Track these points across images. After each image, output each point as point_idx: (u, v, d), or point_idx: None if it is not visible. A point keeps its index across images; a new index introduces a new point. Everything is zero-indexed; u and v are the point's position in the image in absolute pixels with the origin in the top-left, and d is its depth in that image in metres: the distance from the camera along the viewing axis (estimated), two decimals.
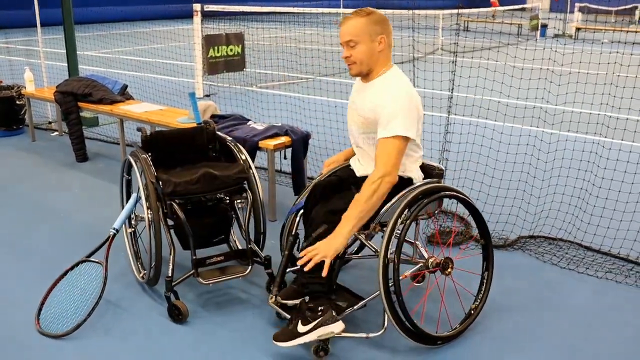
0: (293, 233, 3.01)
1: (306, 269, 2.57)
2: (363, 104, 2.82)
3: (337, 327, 2.64)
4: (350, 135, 3.01)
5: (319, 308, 2.64)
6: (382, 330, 2.70)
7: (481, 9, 17.70)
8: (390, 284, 2.61)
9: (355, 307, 2.79)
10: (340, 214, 2.65)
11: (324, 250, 2.56)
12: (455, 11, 15.33)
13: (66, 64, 7.02)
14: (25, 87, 6.31)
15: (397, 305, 2.63)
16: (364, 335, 2.76)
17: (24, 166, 5.47)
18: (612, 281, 3.41)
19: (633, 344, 2.85)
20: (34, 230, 4.06)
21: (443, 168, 3.05)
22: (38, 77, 6.60)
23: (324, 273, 2.55)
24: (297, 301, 2.78)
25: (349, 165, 3.08)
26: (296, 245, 3.01)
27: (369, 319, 2.97)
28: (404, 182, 2.81)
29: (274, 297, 2.82)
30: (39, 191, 4.80)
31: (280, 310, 2.82)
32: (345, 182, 2.97)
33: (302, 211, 3.04)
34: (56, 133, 6.57)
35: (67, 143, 5.99)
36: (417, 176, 2.89)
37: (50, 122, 6.97)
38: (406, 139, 2.67)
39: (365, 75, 2.83)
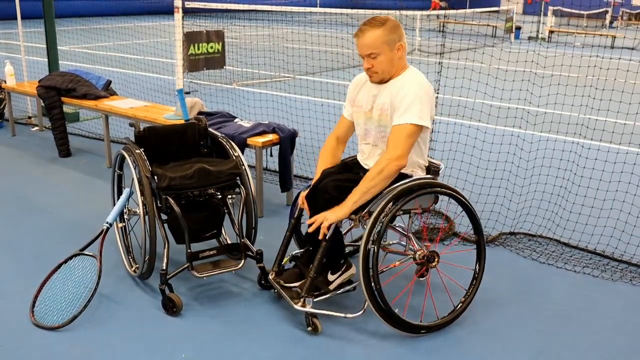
0: (295, 215, 3.16)
1: (310, 230, 2.83)
2: (382, 100, 2.89)
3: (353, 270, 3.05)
4: (362, 136, 3.08)
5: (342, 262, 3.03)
6: (361, 312, 2.89)
7: (459, 11, 17.96)
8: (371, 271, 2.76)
9: (346, 288, 3.03)
10: (348, 187, 2.82)
11: (329, 215, 2.78)
12: (434, 12, 15.52)
13: (46, 59, 6.96)
14: (5, 81, 6.24)
15: (374, 289, 2.76)
16: (342, 314, 2.93)
17: (6, 161, 5.42)
18: (589, 276, 3.55)
19: (609, 333, 2.99)
20: (21, 224, 4.05)
21: (441, 165, 3.15)
22: (18, 72, 6.53)
23: (320, 236, 2.79)
24: (297, 284, 2.95)
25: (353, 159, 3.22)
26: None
27: (360, 299, 3.03)
28: (402, 177, 2.91)
29: (274, 273, 3.07)
30: (24, 186, 4.77)
31: (279, 288, 2.99)
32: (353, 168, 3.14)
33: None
34: (36, 128, 6.51)
35: (48, 138, 5.95)
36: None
37: (30, 117, 6.90)
38: (419, 127, 2.79)
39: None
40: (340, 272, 3.04)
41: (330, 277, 3.06)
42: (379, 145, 2.98)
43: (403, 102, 2.80)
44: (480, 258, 3.11)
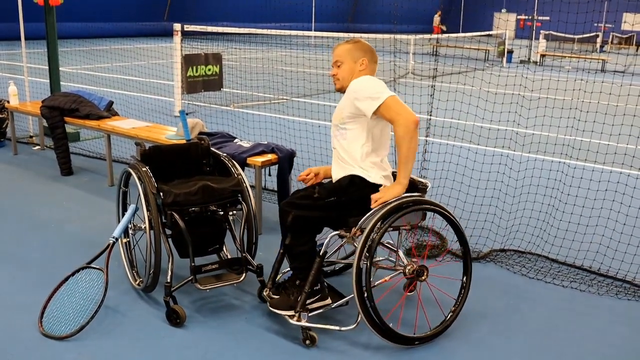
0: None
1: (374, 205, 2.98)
2: (340, 105, 3.22)
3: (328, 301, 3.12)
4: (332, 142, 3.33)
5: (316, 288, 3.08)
6: (354, 325, 3.00)
7: (451, 35, 18.30)
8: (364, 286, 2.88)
9: (339, 302, 3.12)
10: (300, 202, 3.09)
11: (386, 195, 2.98)
12: (428, 36, 15.83)
13: (48, 80, 7.11)
14: (8, 101, 6.39)
15: (368, 304, 2.89)
16: (337, 327, 3.05)
17: (8, 179, 5.54)
18: (577, 290, 3.70)
19: (595, 345, 3.12)
20: (26, 239, 4.17)
21: (428, 184, 3.29)
22: (21, 92, 6.68)
23: (379, 204, 2.95)
24: (287, 312, 3.03)
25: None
26: None
27: (353, 313, 3.16)
28: (372, 188, 3.07)
29: (268, 290, 3.18)
30: (28, 203, 4.89)
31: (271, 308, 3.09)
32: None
33: None
34: (38, 147, 6.64)
35: (49, 157, 6.08)
36: (384, 183, 3.15)
37: (31, 136, 7.04)
38: (393, 97, 3.00)
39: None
40: (315, 299, 3.08)
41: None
42: (337, 147, 3.22)
43: (361, 93, 3.04)
44: (467, 269, 3.24)
